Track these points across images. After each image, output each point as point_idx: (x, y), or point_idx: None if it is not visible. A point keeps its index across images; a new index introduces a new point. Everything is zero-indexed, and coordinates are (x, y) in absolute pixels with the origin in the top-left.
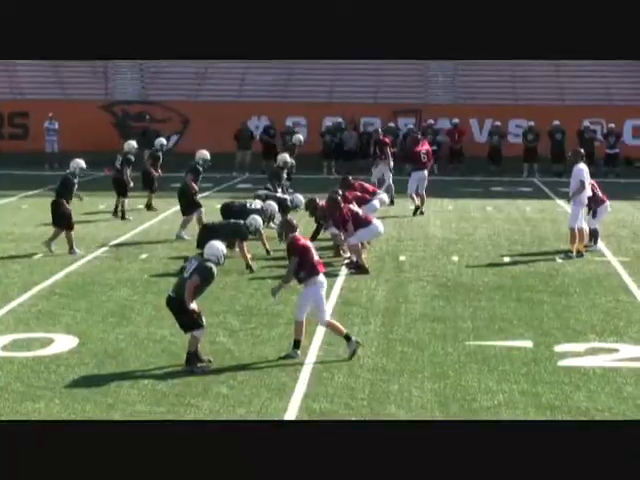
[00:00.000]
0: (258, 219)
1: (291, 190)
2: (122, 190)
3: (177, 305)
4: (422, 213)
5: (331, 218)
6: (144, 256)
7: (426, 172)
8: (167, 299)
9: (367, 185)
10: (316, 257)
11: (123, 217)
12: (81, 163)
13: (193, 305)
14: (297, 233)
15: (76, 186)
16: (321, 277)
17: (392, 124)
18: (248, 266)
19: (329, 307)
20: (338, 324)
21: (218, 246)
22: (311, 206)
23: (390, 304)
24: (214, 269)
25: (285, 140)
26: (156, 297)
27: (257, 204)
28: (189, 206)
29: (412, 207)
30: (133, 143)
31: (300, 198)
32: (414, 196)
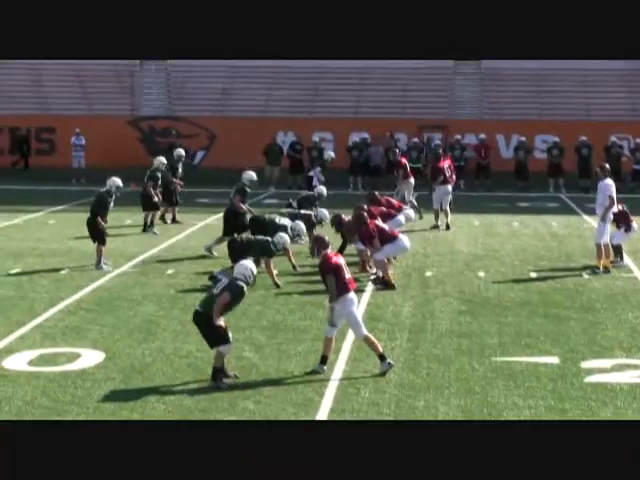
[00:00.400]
0: (285, 237)
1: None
2: (151, 205)
3: (204, 320)
4: (448, 228)
5: (357, 233)
6: (170, 271)
7: (450, 187)
8: (194, 314)
9: (393, 200)
10: (348, 275)
11: (148, 228)
12: (118, 181)
13: (220, 321)
14: (329, 250)
15: (112, 204)
16: (351, 294)
17: (417, 139)
18: (275, 283)
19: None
20: (376, 341)
21: (248, 266)
22: (336, 222)
23: (416, 320)
24: (245, 288)
25: (312, 156)
26: (182, 312)
27: (285, 221)
28: (235, 227)
29: (435, 222)
30: (162, 159)
31: (324, 212)
32: (439, 211)
